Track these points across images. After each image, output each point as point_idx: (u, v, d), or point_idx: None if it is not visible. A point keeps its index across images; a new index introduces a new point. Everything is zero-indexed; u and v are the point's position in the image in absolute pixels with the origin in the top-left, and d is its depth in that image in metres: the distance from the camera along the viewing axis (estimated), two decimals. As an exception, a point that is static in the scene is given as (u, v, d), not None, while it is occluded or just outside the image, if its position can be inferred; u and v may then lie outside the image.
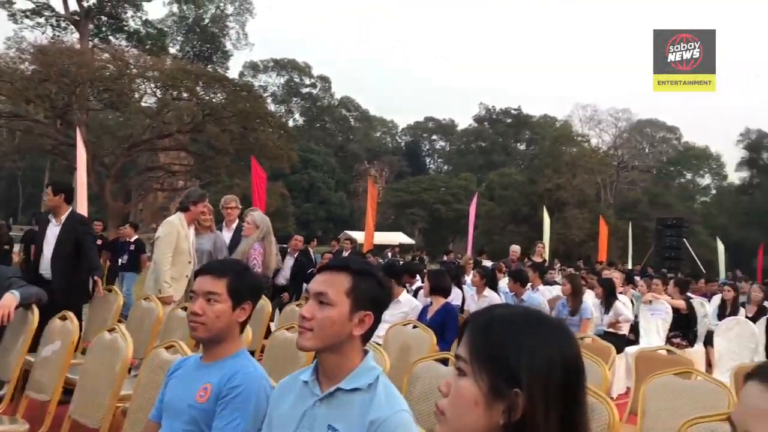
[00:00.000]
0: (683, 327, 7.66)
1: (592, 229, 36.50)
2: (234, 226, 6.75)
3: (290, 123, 53.16)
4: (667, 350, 4.67)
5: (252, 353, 4.79)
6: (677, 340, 7.50)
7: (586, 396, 1.17)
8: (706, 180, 60.74)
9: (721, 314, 8.32)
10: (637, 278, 11.26)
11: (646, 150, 59.51)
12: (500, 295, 7.50)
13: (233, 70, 50.45)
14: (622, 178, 55.89)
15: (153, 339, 4.41)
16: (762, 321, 6.06)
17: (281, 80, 61.79)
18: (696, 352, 7.46)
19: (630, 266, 21.96)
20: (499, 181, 51.53)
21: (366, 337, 1.77)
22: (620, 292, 8.80)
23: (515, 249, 12.03)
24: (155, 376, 2.70)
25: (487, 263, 14.33)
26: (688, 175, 60.05)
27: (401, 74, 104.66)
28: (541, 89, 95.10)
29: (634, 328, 7.90)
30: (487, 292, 7.06)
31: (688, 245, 24.76)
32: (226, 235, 6.64)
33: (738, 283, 10.35)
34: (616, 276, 8.73)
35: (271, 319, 6.04)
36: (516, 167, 57.51)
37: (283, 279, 8.92)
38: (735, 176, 60.75)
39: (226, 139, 27.67)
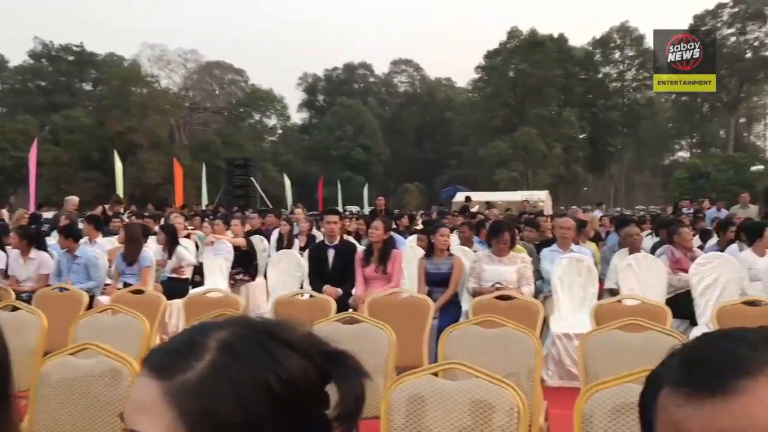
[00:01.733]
0: (245, 263, 8.09)
1: (168, 172, 36.30)
2: None
3: None
4: (219, 292, 4.82)
5: None
6: (240, 276, 7.91)
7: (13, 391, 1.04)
8: (273, 121, 65.18)
9: (280, 247, 9.00)
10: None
11: (217, 92, 60.93)
12: (53, 252, 6.84)
13: None
14: (195, 119, 56.53)
15: None
16: (305, 253, 6.73)
17: None
18: (259, 285, 7.97)
19: (204, 207, 22.45)
20: (64, 124, 47.18)
21: None
22: (186, 236, 8.87)
23: (72, 200, 11.08)
24: None
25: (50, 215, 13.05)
26: (257, 116, 63.57)
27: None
28: (105, 25, 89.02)
29: (200, 269, 8.06)
30: (34, 253, 6.36)
31: (256, 183, 26.37)
32: None
33: (292, 213, 11.31)
34: (179, 221, 8.72)
35: None
36: (83, 109, 53.30)
37: None
38: (297, 117, 66.79)
39: None
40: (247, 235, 8.77)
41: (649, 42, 54.19)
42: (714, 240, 8.30)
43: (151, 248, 7.35)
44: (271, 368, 0.72)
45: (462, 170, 53.46)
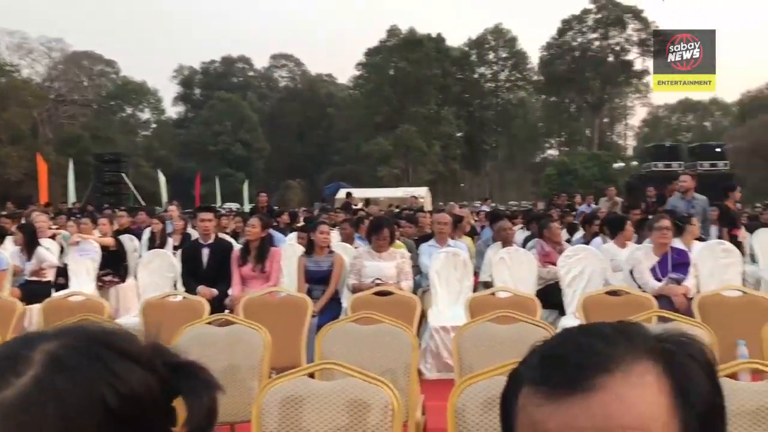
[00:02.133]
0: (114, 264, 7.67)
1: (31, 167, 34.02)
2: None
3: None
4: (82, 294, 4.53)
5: None
6: (108, 278, 7.50)
7: None
8: (146, 114, 62.48)
9: (152, 246, 8.61)
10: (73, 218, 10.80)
11: (85, 83, 57.52)
12: None
13: None
14: (61, 112, 53.14)
15: None
16: (179, 253, 6.47)
17: None
18: (129, 287, 7.58)
19: (71, 205, 21.18)
20: None
21: None
22: (51, 236, 8.31)
23: None
24: None
25: None
26: (129, 110, 60.73)
27: None
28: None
29: (65, 271, 7.56)
30: None
31: (127, 179, 25.18)
32: None
33: (166, 211, 10.87)
34: (42, 220, 8.15)
35: None
36: (-69, 99, 48.78)
37: None
38: (172, 110, 64.39)
39: None
40: (117, 234, 8.34)
41: (521, 44, 56.91)
42: (580, 233, 8.75)
43: (8, 250, 6.83)
44: (107, 381, 0.63)
45: (345, 166, 53.52)
